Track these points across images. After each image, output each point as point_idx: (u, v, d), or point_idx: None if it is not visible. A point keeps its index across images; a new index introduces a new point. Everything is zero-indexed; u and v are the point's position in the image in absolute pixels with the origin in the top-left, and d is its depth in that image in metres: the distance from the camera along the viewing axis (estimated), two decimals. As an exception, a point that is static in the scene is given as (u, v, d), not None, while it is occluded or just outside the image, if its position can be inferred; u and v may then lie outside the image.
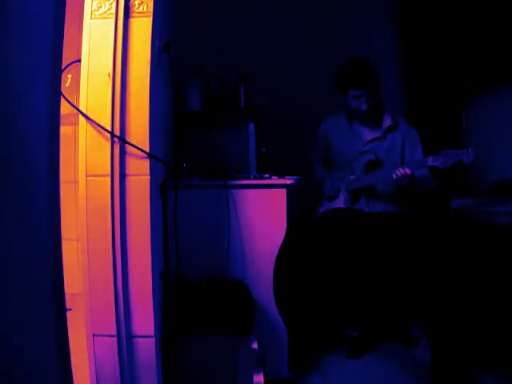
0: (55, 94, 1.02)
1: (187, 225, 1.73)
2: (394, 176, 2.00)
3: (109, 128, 1.42)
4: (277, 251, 1.77)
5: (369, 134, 2.24)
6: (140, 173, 1.44)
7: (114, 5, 1.44)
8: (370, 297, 2.14)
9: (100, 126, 1.42)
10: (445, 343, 1.78)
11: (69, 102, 1.47)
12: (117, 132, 1.42)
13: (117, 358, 1.42)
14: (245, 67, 2.49)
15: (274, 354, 1.74)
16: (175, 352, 1.54)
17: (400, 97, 2.88)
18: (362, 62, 2.15)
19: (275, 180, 1.80)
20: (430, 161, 1.85)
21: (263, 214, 1.78)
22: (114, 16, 1.43)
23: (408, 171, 1.97)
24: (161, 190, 1.67)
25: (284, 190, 1.78)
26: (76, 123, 1.50)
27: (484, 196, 2.33)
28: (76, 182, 1.46)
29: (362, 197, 2.19)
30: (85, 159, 1.44)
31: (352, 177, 2.19)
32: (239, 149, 2.21)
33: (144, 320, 1.44)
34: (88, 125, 1.44)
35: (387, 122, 2.21)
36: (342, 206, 2.18)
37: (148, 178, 1.45)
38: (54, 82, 0.99)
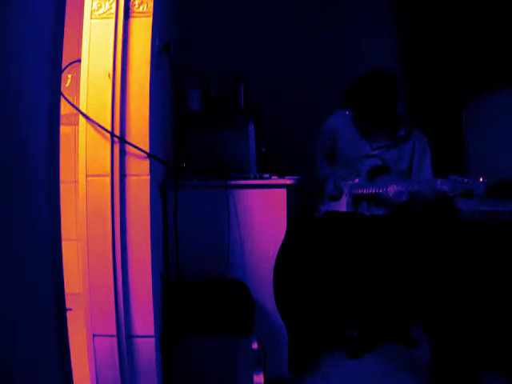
0: (55, 94, 1.01)
1: (187, 225, 1.73)
2: (390, 194, 1.96)
3: (109, 128, 1.42)
4: (277, 251, 1.77)
5: (378, 141, 2.20)
6: (140, 173, 1.44)
7: (114, 5, 1.44)
8: (371, 297, 2.14)
9: (100, 125, 1.42)
10: (445, 343, 1.78)
11: (69, 102, 1.47)
12: (117, 132, 1.43)
13: (117, 358, 1.42)
14: (245, 67, 2.49)
15: (274, 354, 1.74)
16: (175, 352, 1.54)
17: (400, 98, 2.87)
18: (376, 81, 2.07)
19: (275, 180, 1.79)
20: (439, 184, 1.79)
21: (263, 213, 1.78)
22: (113, 16, 1.44)
23: (401, 188, 1.93)
24: (161, 190, 1.67)
25: (284, 190, 1.77)
26: (76, 123, 1.50)
27: (485, 196, 2.32)
28: (76, 182, 1.46)
29: (364, 202, 2.17)
30: (85, 159, 1.44)
31: (356, 180, 2.17)
32: (239, 149, 2.21)
33: (144, 320, 1.44)
34: (88, 125, 1.44)
35: (401, 132, 2.17)
36: (344, 209, 2.17)
37: (148, 177, 1.45)
38: (53, 81, 0.99)
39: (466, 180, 1.73)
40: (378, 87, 2.07)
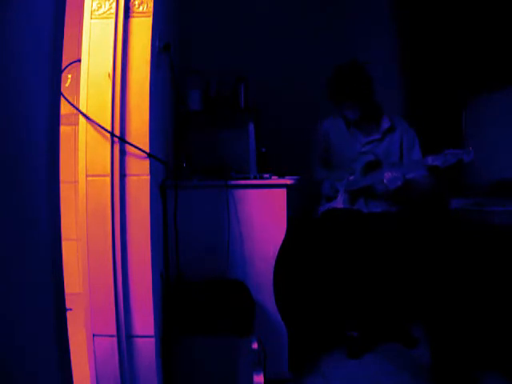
0: (55, 94, 1.01)
1: (187, 225, 1.73)
2: (385, 180, 2.01)
3: (109, 128, 1.42)
4: (277, 251, 1.77)
5: (367, 136, 2.26)
6: (140, 173, 1.44)
7: (114, 5, 1.44)
8: (370, 296, 2.14)
9: (100, 125, 1.42)
10: (445, 343, 1.78)
11: (69, 102, 1.47)
12: (117, 132, 1.43)
13: (117, 358, 1.42)
14: (245, 67, 2.49)
15: (274, 354, 1.74)
16: (175, 352, 1.54)
17: (400, 98, 2.88)
18: (351, 72, 2.16)
19: (275, 180, 1.79)
20: (430, 160, 1.84)
21: (263, 213, 1.78)
22: (113, 16, 1.44)
23: (396, 174, 1.97)
24: (161, 190, 1.67)
25: (284, 190, 1.78)
26: (76, 123, 1.50)
27: (483, 196, 2.33)
28: (76, 182, 1.46)
29: (361, 197, 2.19)
30: (85, 159, 1.44)
31: (351, 177, 2.19)
32: (239, 149, 2.21)
33: (144, 320, 1.44)
34: (88, 125, 1.44)
35: (385, 123, 2.23)
36: (341, 206, 2.19)
37: (148, 177, 1.45)
38: (53, 81, 0.99)
39: (455, 151, 1.77)
40: (346, 83, 2.16)
